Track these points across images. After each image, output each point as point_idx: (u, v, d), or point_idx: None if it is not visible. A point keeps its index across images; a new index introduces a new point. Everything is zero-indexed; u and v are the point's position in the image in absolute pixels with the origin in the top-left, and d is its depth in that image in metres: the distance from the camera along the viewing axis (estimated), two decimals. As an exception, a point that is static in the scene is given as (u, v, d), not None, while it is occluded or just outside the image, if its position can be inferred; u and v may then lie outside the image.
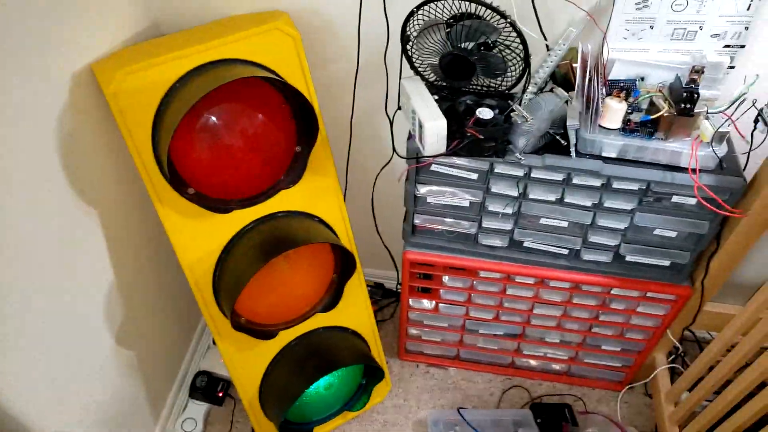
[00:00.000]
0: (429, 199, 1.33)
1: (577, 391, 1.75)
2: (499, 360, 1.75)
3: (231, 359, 1.39)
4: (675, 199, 1.21)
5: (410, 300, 1.58)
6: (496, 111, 1.15)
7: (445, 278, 1.50)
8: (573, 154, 1.17)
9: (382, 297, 1.86)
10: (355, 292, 1.47)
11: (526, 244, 1.38)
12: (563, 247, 1.37)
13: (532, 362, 1.73)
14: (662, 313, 1.47)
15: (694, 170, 1.13)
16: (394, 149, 1.36)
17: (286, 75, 1.16)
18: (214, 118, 1.16)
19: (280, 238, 1.22)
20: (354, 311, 1.49)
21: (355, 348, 1.46)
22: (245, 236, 1.25)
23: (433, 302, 1.58)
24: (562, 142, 1.18)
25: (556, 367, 1.73)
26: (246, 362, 1.41)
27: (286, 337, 1.43)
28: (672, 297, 1.41)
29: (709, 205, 1.16)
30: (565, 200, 1.26)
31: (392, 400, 1.72)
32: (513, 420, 1.62)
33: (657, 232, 1.29)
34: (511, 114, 1.13)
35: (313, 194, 1.30)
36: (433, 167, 1.25)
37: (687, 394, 1.50)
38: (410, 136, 1.22)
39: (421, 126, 1.13)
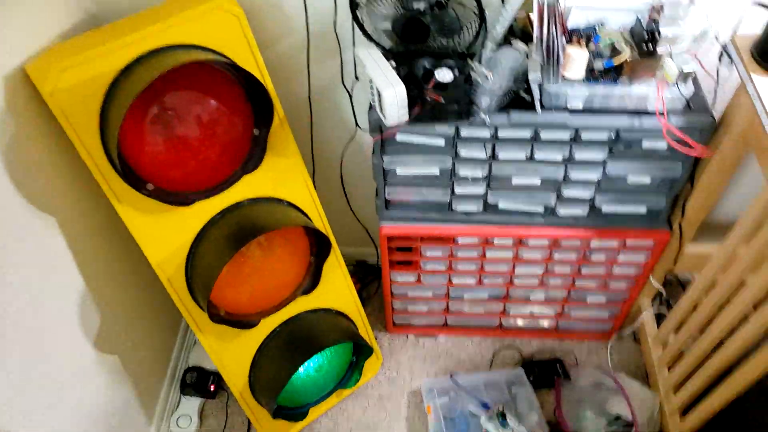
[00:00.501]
0: (398, 171, 1.29)
1: (567, 346, 1.76)
2: (486, 323, 1.74)
3: (216, 352, 1.36)
4: (645, 144, 1.19)
5: (392, 274, 1.56)
6: (456, 72, 1.11)
7: (425, 249, 1.48)
8: (538, 108, 1.14)
9: (365, 274, 1.84)
10: (335, 272, 1.45)
11: (501, 206, 1.36)
12: (538, 205, 1.35)
13: (520, 322, 1.72)
14: (643, 259, 1.46)
15: (661, 113, 1.11)
16: (356, 122, 1.32)
17: (234, 56, 1.11)
18: (164, 109, 1.11)
19: (247, 225, 1.19)
20: (336, 291, 1.47)
21: (340, 327, 1.44)
22: (213, 228, 1.22)
23: (415, 274, 1.56)
24: (527, 97, 1.15)
25: (544, 324, 1.73)
26: (232, 354, 1.38)
27: (269, 324, 1.40)
28: (651, 243, 1.40)
29: (679, 147, 1.14)
30: (535, 157, 1.23)
31: (385, 373, 1.72)
32: (506, 380, 1.63)
33: (630, 179, 1.27)
34: (471, 73, 1.09)
35: (278, 178, 1.26)
36: (398, 137, 1.21)
37: (673, 336, 1.51)
38: (371, 107, 1.18)
39: (379, 95, 1.09)
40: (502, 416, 1.47)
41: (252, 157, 1.20)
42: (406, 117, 1.12)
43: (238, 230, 1.19)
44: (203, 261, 1.21)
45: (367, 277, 1.83)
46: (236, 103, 1.16)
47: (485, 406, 1.52)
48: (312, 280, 1.38)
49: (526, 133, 1.19)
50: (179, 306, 1.27)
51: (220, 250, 1.17)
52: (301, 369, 1.52)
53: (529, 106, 1.15)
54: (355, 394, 1.67)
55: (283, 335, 1.40)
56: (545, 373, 1.64)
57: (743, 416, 1.26)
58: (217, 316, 1.28)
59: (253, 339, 1.40)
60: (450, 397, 1.59)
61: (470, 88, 1.11)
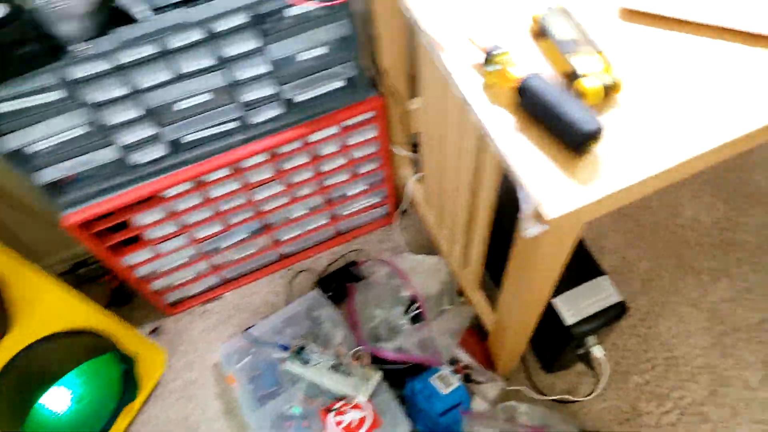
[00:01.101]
0: (34, 149, 1.02)
1: (358, 243, 1.66)
2: (266, 260, 1.59)
3: None
4: (292, 11, 1.02)
5: (123, 259, 1.32)
6: (8, 7, 0.84)
7: (138, 218, 1.25)
8: (143, 15, 0.91)
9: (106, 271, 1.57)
10: (46, 293, 1.17)
11: (187, 140, 1.15)
12: (228, 122, 1.16)
13: (298, 244, 1.59)
14: (375, 133, 1.35)
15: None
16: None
17: None
18: None
19: None
20: (56, 311, 1.20)
21: (74, 346, 1.20)
22: None
23: (149, 248, 1.33)
24: (120, 3, 0.91)
25: (325, 234, 1.61)
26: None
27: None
28: (371, 114, 1.28)
29: (317, 3, 0.99)
30: (183, 71, 1.02)
31: (181, 359, 1.52)
32: (305, 308, 1.50)
33: (304, 56, 1.11)
34: (20, 3, 0.83)
35: None
36: (-1, 109, 0.94)
37: (433, 195, 1.45)
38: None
39: None
40: (300, 352, 1.36)
41: None
42: (-33, 84, 0.84)
43: None
44: None
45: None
46: None
47: (285, 348, 1.39)
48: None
49: (153, 48, 0.96)
50: None
51: None
52: (58, 410, 1.27)
53: (132, 19, 0.92)
54: (156, 395, 1.47)
55: (4, 391, 1.13)
56: (342, 284, 1.54)
57: (504, 235, 1.23)
58: None
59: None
60: (252, 354, 1.44)
61: (36, 21, 0.85)
